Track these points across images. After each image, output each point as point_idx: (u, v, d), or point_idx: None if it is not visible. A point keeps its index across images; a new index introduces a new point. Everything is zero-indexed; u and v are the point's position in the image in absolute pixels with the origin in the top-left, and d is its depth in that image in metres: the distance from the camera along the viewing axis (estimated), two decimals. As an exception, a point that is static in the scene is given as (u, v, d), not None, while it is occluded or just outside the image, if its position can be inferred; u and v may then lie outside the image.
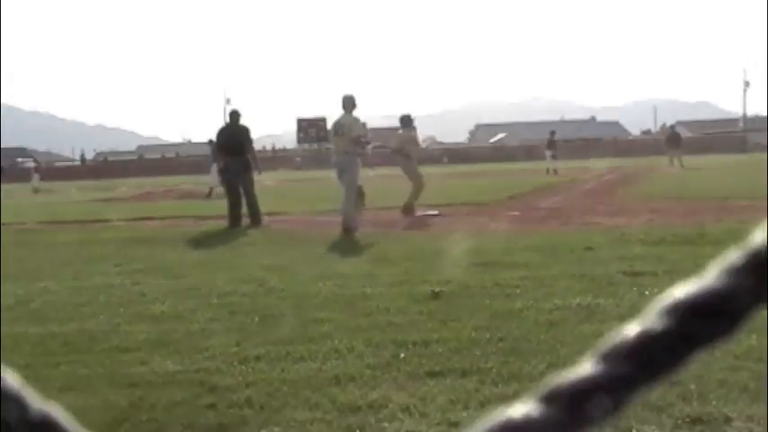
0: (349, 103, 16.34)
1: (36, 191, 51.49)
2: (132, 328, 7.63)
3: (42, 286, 10.39)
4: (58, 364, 6.47)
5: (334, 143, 16.63)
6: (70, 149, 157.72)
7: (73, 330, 7.69)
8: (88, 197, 37.73)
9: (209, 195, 32.91)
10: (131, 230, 18.59)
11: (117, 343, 7.04)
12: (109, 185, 53.78)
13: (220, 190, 32.95)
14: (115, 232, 18.26)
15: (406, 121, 19.71)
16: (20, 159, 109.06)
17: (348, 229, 15.38)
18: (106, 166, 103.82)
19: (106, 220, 21.72)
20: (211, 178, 35.44)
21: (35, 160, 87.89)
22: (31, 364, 6.51)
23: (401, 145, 19.50)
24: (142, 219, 21.66)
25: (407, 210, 18.26)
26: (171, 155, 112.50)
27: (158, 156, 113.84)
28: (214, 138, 20.81)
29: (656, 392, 4.81)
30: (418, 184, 18.80)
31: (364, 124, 17.37)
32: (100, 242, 15.98)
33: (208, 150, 37.37)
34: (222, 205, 19.84)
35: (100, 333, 7.49)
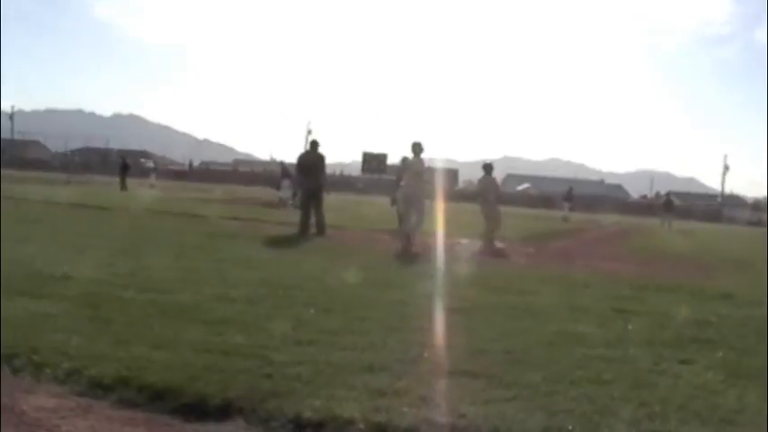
0: (418, 148, 16.76)
1: (152, 187, 52.03)
2: (213, 305, 7.66)
3: (148, 262, 10.50)
4: (153, 326, 6.51)
5: (405, 178, 16.89)
6: (181, 156, 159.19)
7: (167, 301, 7.74)
8: (191, 196, 38.07)
9: (279, 205, 33.24)
10: (221, 227, 18.74)
11: (200, 316, 7.07)
12: (207, 189, 54.24)
13: (289, 201, 33.23)
14: (209, 226, 18.42)
15: (488, 168, 19.55)
16: (142, 160, 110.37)
17: (410, 247, 15.57)
18: (207, 173, 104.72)
19: (203, 216, 21.92)
20: (281, 192, 35.85)
21: (154, 162, 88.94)
22: (132, 323, 6.58)
23: (482, 189, 19.36)
24: (230, 218, 21.83)
25: (486, 244, 17.88)
26: (259, 170, 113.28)
27: (249, 169, 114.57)
28: (292, 160, 20.92)
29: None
30: (494, 223, 18.48)
31: (429, 167, 17.72)
32: (196, 233, 16.13)
33: (286, 170, 37.85)
34: (292, 215, 19.98)
35: (187, 306, 7.53)
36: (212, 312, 7.27)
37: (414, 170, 16.88)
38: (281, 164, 39.66)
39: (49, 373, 5.08)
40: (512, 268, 13.72)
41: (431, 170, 17.79)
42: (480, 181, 19.68)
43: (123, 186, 41.18)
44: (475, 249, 17.01)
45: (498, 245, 17.86)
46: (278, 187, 37.41)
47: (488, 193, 19.05)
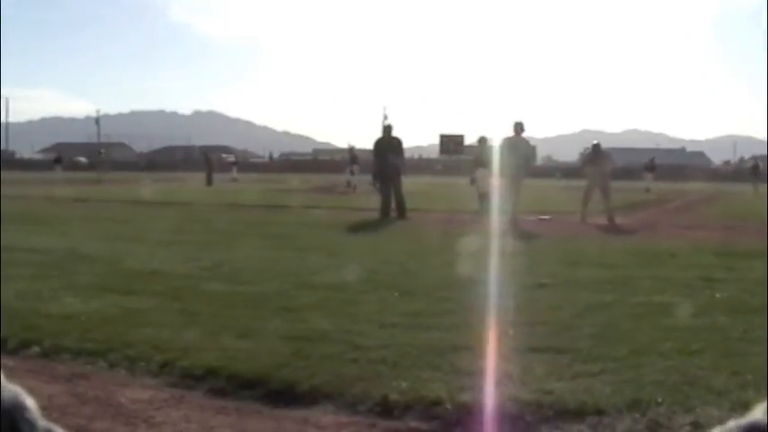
0: (519, 128, 16.82)
1: (234, 180, 52.77)
2: (297, 293, 7.73)
3: (232, 254, 10.65)
4: (239, 316, 6.61)
5: (508, 158, 16.79)
6: (262, 149, 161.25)
7: (252, 291, 7.85)
8: (272, 188, 38.49)
9: (348, 191, 33.60)
10: (302, 216, 18.91)
11: (284, 304, 7.15)
12: (288, 179, 54.76)
13: (355, 186, 33.45)
14: (290, 216, 18.61)
15: (597, 147, 19.21)
16: (224, 155, 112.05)
17: (513, 224, 15.71)
18: (288, 164, 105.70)
19: (284, 207, 22.15)
20: (350, 177, 36.21)
21: (235, 156, 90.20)
22: (219, 314, 6.68)
23: (593, 165, 18.97)
24: (311, 207, 22.00)
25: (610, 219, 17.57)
26: (338, 158, 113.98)
27: (328, 158, 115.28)
28: (369, 146, 20.94)
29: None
30: (606, 199, 18.12)
31: (534, 147, 17.63)
32: (278, 223, 16.31)
33: (354, 155, 38.19)
34: (370, 201, 20.03)
35: (272, 295, 7.62)
36: (296, 300, 7.34)
37: (517, 149, 16.88)
38: (350, 149, 39.88)
39: (143, 366, 5.20)
40: (595, 241, 13.52)
41: (532, 149, 17.59)
42: (588, 156, 19.31)
43: (209, 181, 41.83)
44: (558, 224, 16.79)
45: (614, 220, 17.52)
46: (351, 172, 37.68)
47: (603, 167, 18.62)
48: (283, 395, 4.67)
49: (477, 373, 4.85)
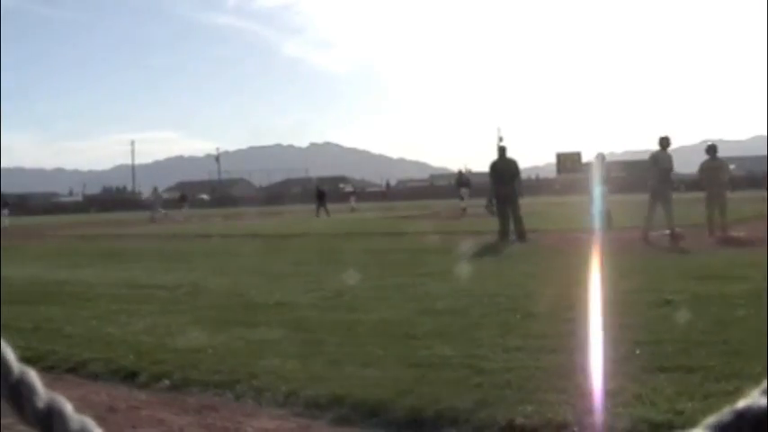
0: (665, 142, 17.11)
1: (353, 210, 53.38)
2: (419, 319, 7.74)
3: (353, 283, 10.75)
4: (363, 344, 6.66)
5: (655, 173, 16.81)
6: (379, 178, 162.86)
7: (374, 319, 7.89)
8: (390, 215, 38.75)
9: (460, 215, 33.41)
10: (421, 242, 18.94)
11: (406, 331, 7.16)
12: (406, 206, 55.02)
13: (465, 209, 33.30)
14: (408, 243, 18.67)
15: (712, 150, 18.62)
16: (341, 185, 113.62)
17: (675, 236, 15.78)
18: (405, 191, 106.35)
19: (402, 233, 22.26)
20: (462, 201, 36.02)
21: (352, 186, 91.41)
22: (343, 344, 6.75)
23: (710, 174, 18.46)
24: (429, 233, 22.02)
25: (714, 230, 17.00)
26: (455, 182, 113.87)
27: (445, 183, 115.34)
28: (484, 169, 20.84)
29: None
30: (721, 209, 17.58)
31: (670, 158, 17.52)
32: (397, 250, 16.38)
33: (463, 178, 38.01)
34: (482, 223, 19.93)
35: (394, 322, 7.64)
36: (418, 326, 7.35)
37: (663, 165, 16.86)
38: (459, 173, 39.73)
39: (269, 397, 5.30)
40: (722, 254, 13.07)
41: (670, 163, 17.34)
42: (706, 165, 18.62)
43: (319, 213, 42.28)
44: (685, 238, 16.30)
45: (729, 232, 16.96)
46: (461, 196, 37.49)
47: (718, 178, 18.01)
48: (408, 422, 4.67)
49: (604, 395, 4.74)
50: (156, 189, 51.68)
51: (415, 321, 7.64)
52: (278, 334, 7.34)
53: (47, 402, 0.46)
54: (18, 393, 0.46)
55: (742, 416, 0.43)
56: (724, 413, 0.43)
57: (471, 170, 41.52)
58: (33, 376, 0.47)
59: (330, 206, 44.40)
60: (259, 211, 54.23)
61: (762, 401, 0.42)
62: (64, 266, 15.12)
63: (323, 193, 45.06)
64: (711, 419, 0.44)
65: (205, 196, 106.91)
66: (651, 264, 12.02)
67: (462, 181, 37.79)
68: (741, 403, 0.43)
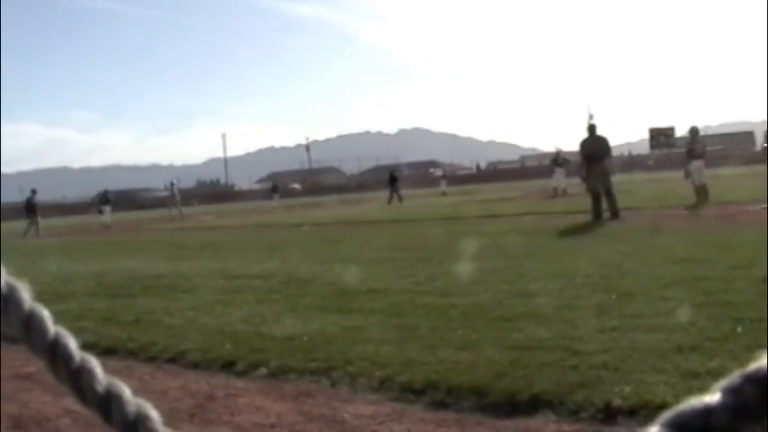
0: None
1: (443, 194, 53.35)
2: (512, 302, 7.70)
3: (446, 267, 10.73)
4: (456, 328, 6.66)
5: None
6: (468, 161, 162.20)
7: (467, 303, 7.87)
8: (481, 198, 38.56)
9: (555, 195, 32.87)
10: (513, 224, 18.80)
11: (501, 313, 7.13)
12: (497, 189, 54.72)
13: (563, 189, 32.79)
14: (501, 225, 18.55)
15: None
16: (431, 170, 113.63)
17: None
18: (495, 173, 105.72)
19: (494, 216, 22.13)
20: (554, 181, 35.34)
21: (443, 170, 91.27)
22: (436, 327, 6.76)
23: None
24: (521, 214, 21.85)
25: None
26: (546, 162, 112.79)
27: (536, 163, 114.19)
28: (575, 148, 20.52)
29: None
30: None
31: None
32: (489, 233, 16.28)
33: (558, 158, 37.35)
34: (579, 203, 19.65)
35: (488, 305, 7.62)
36: (512, 309, 7.31)
37: None
38: (557, 153, 39.15)
39: (364, 382, 5.34)
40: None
41: None
42: None
43: (392, 199, 42.06)
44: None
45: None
46: (555, 176, 36.92)
47: None
48: (504, 405, 4.65)
49: (704, 375, 4.64)
50: (173, 184, 46.02)
51: (508, 304, 7.59)
52: (372, 320, 7.39)
53: (106, 387, 0.48)
54: (79, 379, 0.48)
55: (750, 379, 0.43)
56: (733, 377, 0.43)
57: (562, 150, 40.65)
58: (94, 363, 0.48)
59: (421, 191, 44.40)
60: (349, 199, 54.66)
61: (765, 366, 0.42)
62: (161, 259, 15.50)
63: (395, 178, 44.75)
64: (722, 383, 0.44)
65: (297, 186, 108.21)
66: (751, 238, 11.66)
67: (558, 161, 37.24)
68: (751, 367, 0.43)
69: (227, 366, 6.15)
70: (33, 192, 34.75)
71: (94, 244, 24.09)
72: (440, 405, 4.82)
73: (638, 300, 7.20)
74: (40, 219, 33.41)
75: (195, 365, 6.35)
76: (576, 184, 23.45)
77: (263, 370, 5.92)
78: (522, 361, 5.36)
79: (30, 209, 33.79)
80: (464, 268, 10.60)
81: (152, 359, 6.69)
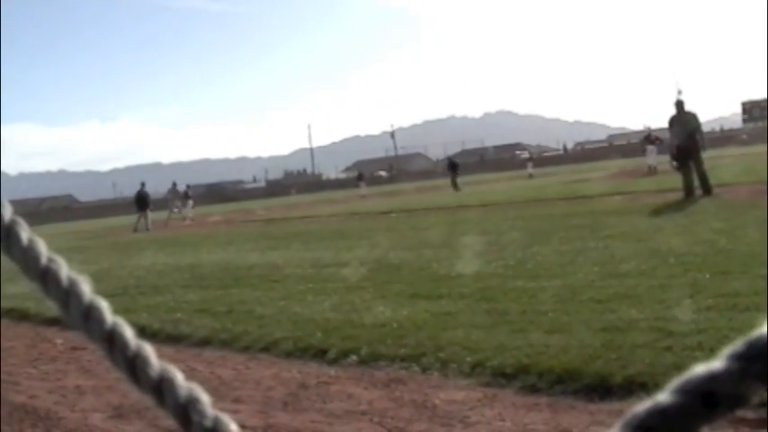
0: None
1: (530, 176, 52.94)
2: (604, 283, 7.58)
3: (535, 250, 10.64)
4: (547, 312, 6.59)
5: None
6: (555, 142, 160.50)
7: (558, 285, 7.79)
8: (570, 179, 38.10)
9: (649, 173, 32.27)
10: (603, 204, 18.53)
11: (592, 295, 7.03)
12: (585, 169, 53.97)
13: (655, 168, 32.11)
14: (590, 206, 18.30)
15: None
16: (517, 152, 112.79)
17: None
18: (583, 154, 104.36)
19: (583, 197, 21.83)
20: (648, 159, 34.66)
21: (529, 152, 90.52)
22: (527, 311, 6.72)
23: None
24: (611, 194, 21.52)
25: None
26: (635, 141, 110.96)
27: (625, 142, 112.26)
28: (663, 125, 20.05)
29: None
30: None
31: None
32: (578, 214, 16.08)
33: (650, 137, 36.59)
34: (671, 181, 19.23)
35: (578, 287, 7.52)
36: (604, 290, 7.19)
37: None
38: (648, 131, 38.40)
39: (455, 368, 5.33)
40: None
41: None
42: None
43: (455, 186, 41.73)
44: None
45: None
46: (646, 154, 36.28)
47: None
48: (597, 388, 4.58)
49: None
50: (174, 186, 41.09)
51: (600, 285, 7.48)
52: (462, 305, 7.36)
53: (159, 373, 0.49)
54: (134, 366, 0.49)
55: (754, 344, 0.43)
56: (738, 344, 0.43)
57: (651, 127, 39.86)
58: (149, 350, 0.50)
59: (508, 173, 44.10)
60: (436, 185, 54.60)
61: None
62: (252, 250, 15.74)
63: (455, 164, 44.20)
64: (729, 349, 0.43)
65: (383, 173, 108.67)
66: None
67: (651, 138, 36.53)
68: (754, 332, 0.45)
69: (319, 355, 6.21)
70: (143, 185, 34.73)
71: (188, 236, 24.61)
72: (531, 389, 4.78)
73: (734, 279, 7.00)
74: (149, 212, 33.59)
75: (288, 354, 6.42)
76: (667, 162, 22.99)
77: (354, 357, 5.96)
78: (615, 343, 5.26)
79: (140, 202, 33.89)
80: (554, 250, 10.50)
81: (246, 349, 6.79)
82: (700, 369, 0.46)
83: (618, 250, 9.78)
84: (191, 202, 40.78)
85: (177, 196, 39.57)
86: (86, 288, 0.50)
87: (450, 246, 12.60)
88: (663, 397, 0.47)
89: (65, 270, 0.49)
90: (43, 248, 0.50)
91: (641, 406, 0.47)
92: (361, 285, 9.21)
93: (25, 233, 0.50)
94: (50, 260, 0.49)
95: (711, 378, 0.46)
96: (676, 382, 0.47)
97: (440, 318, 6.88)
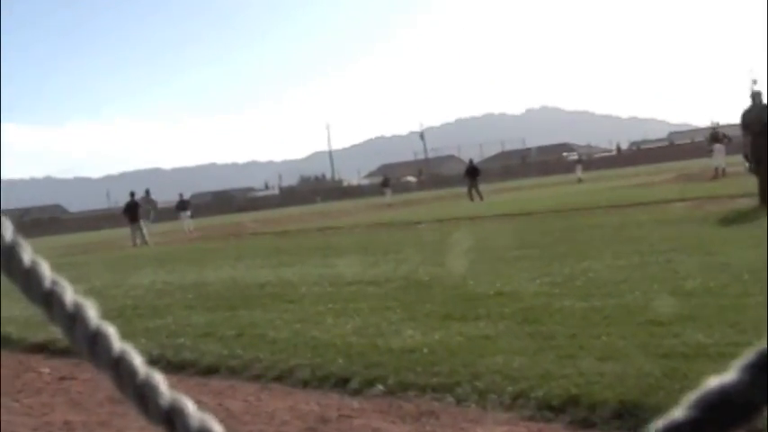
0: None
1: (579, 181, 52.78)
2: (665, 302, 7.53)
3: (586, 265, 10.60)
4: (599, 335, 6.56)
5: None
6: (607, 142, 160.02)
7: (612, 305, 7.75)
8: (624, 183, 37.94)
9: (715, 176, 31.99)
10: (664, 212, 18.44)
11: (651, 317, 6.99)
12: (642, 172, 53.73)
13: (724, 169, 31.84)
14: (649, 213, 18.21)
15: None
16: (564, 154, 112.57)
17: None
18: (640, 154, 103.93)
19: (641, 203, 21.74)
20: (714, 160, 34.36)
21: (577, 153, 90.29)
22: (576, 334, 6.68)
23: None
24: (673, 201, 21.41)
25: None
26: (700, 139, 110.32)
27: (688, 141, 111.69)
28: (733, 121, 19.90)
29: None
30: None
31: None
32: (635, 224, 16.03)
33: (716, 135, 36.26)
34: (736, 185, 19.11)
35: (636, 307, 7.48)
36: (665, 311, 7.15)
37: None
38: (713, 129, 38.14)
39: (495, 399, 5.32)
40: None
41: None
42: None
43: (471, 195, 41.35)
44: None
45: None
46: (711, 154, 36.02)
47: None
48: (659, 423, 4.55)
49: None
50: (147, 193, 39.31)
51: (660, 305, 7.44)
52: (502, 327, 7.34)
53: (169, 402, 0.50)
54: (143, 394, 0.50)
55: (765, 355, 0.49)
56: (751, 353, 0.49)
57: (719, 123, 39.54)
58: (158, 378, 0.51)
59: (554, 178, 43.95)
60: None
61: None
62: (264, 266, 15.79)
63: (475, 170, 43.64)
64: (741, 360, 0.50)
65: (411, 178, 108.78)
66: None
67: (718, 137, 36.31)
68: (765, 343, 0.49)
69: (340, 384, 6.22)
70: (132, 194, 34.96)
71: (191, 251, 24.72)
72: (583, 423, 4.76)
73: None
74: (143, 224, 33.67)
75: (305, 384, 6.43)
76: (737, 164, 22.81)
77: (380, 387, 5.96)
78: (679, 372, 5.23)
79: (131, 214, 34.15)
80: (607, 265, 10.46)
81: (257, 378, 6.81)
82: (713, 382, 0.51)
83: (681, 265, 9.73)
84: (188, 213, 40.95)
85: (152, 206, 38.35)
86: (93, 313, 0.51)
87: (488, 260, 12.57)
88: (678, 413, 0.51)
89: (70, 294, 0.50)
90: (47, 270, 0.51)
91: (657, 423, 0.51)
92: (388, 305, 9.21)
93: (27, 254, 0.51)
94: (54, 283, 0.50)
95: (724, 390, 0.49)
96: (691, 396, 0.51)
97: (476, 342, 6.87)
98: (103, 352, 0.51)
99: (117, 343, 0.51)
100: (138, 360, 0.52)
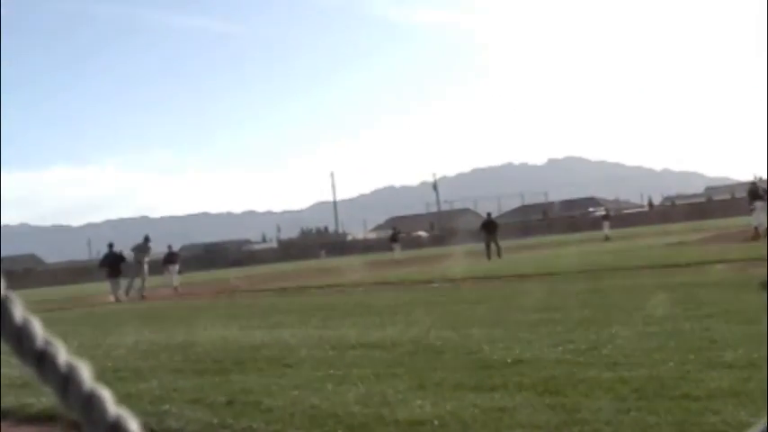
0: None
1: (607, 239, 52.75)
2: (703, 375, 7.50)
3: (613, 332, 10.56)
4: (628, 410, 6.53)
5: None
6: (638, 196, 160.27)
7: (642, 376, 7.72)
8: (656, 242, 37.90)
9: (756, 236, 31.93)
10: (701, 274, 18.39)
11: (687, 390, 6.95)
12: (675, 230, 53.68)
13: (766, 228, 31.81)
14: (684, 276, 18.18)
15: None
16: (591, 209, 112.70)
17: None
18: (674, 210, 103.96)
19: (675, 265, 21.69)
20: (755, 219, 34.28)
21: (605, 208, 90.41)
22: (603, 409, 6.66)
23: None
24: (711, 262, 21.36)
25: None
26: (740, 194, 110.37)
27: (727, 195, 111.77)
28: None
29: None
30: None
31: None
32: (668, 286, 15.97)
33: (757, 190, 36.21)
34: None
35: (669, 380, 7.44)
36: (702, 384, 7.12)
37: None
38: (753, 183, 38.17)
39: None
40: None
41: None
42: None
43: (489, 252, 41.10)
44: None
45: None
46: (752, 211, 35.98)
47: None
48: None
49: None
50: (147, 239, 37.22)
51: (697, 378, 7.40)
52: (520, 399, 7.31)
53: None
54: None
55: None
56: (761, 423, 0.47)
57: (761, 177, 39.63)
58: (130, 421, 0.51)
59: (581, 235, 43.98)
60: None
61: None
62: (260, 327, 15.75)
63: (493, 224, 43.29)
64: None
65: (422, 233, 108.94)
66: None
67: (759, 192, 36.31)
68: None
69: (341, 458, 6.18)
70: (111, 246, 35.26)
71: (178, 309, 24.69)
72: None
73: None
74: (122, 278, 33.62)
75: (302, 458, 6.39)
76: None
77: (385, 463, 5.92)
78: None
79: (110, 267, 34.13)
80: (637, 332, 10.42)
81: (249, 450, 6.77)
82: None
83: (720, 333, 9.69)
84: (177, 267, 40.92)
85: (143, 254, 37.37)
86: (86, 374, 0.50)
87: (506, 324, 12.54)
88: None
89: (63, 354, 0.50)
90: (39, 329, 0.51)
91: None
92: (395, 372, 9.18)
93: (19, 311, 0.50)
94: (47, 343, 0.50)
95: None
96: None
97: (492, 415, 6.84)
98: (98, 416, 0.50)
99: (112, 407, 0.51)
100: (134, 425, 0.52)
